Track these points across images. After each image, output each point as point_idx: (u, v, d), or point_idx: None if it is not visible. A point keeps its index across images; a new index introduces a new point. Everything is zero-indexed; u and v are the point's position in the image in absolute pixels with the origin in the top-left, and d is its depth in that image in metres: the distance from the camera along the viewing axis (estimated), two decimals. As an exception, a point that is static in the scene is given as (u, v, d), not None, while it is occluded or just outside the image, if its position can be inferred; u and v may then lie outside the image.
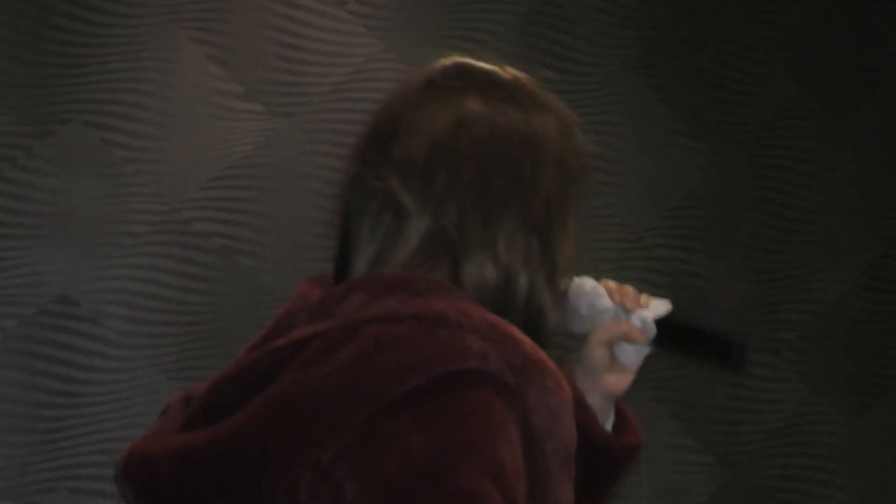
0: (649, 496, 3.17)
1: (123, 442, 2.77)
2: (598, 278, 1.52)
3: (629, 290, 1.52)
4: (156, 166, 2.81)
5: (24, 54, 2.73)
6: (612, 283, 1.53)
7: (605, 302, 1.50)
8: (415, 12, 3.05)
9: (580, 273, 1.50)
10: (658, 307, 1.52)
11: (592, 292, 1.51)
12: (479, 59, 1.35)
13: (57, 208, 2.72)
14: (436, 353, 1.14)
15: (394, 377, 1.12)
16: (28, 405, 2.66)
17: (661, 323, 1.51)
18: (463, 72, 1.32)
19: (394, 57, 3.01)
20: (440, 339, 1.15)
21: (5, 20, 2.72)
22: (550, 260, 1.30)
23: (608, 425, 1.55)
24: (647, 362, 3.19)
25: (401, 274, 1.24)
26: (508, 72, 1.35)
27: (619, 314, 1.51)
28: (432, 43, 3.06)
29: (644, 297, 1.52)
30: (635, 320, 1.50)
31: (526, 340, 1.19)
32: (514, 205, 1.27)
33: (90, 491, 2.68)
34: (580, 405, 1.49)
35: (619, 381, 1.52)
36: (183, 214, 2.82)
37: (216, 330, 2.80)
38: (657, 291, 3.42)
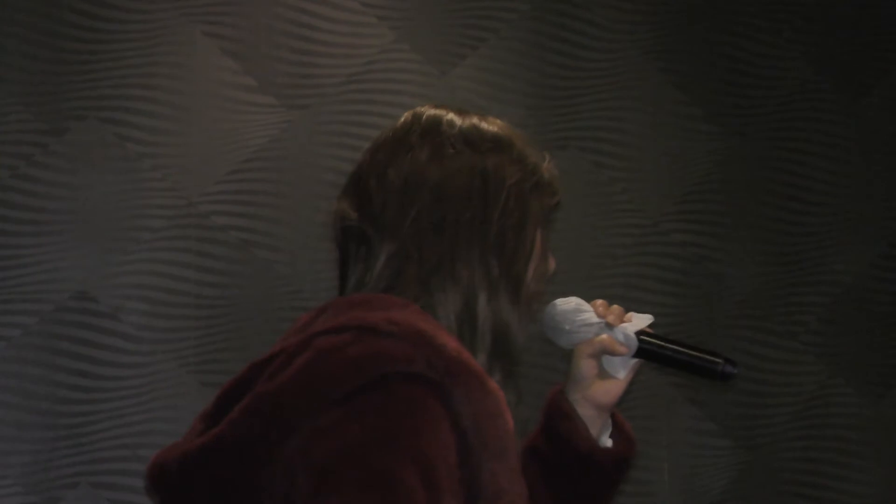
0: (670, 480, 3.17)
1: (144, 436, 2.79)
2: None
3: (615, 307, 1.64)
4: (171, 161, 2.82)
5: (38, 51, 2.74)
6: (599, 302, 1.64)
7: (589, 317, 1.62)
8: (427, 2, 3.05)
9: (566, 293, 1.64)
10: (639, 321, 1.63)
11: (575, 309, 1.63)
12: (438, 106, 1.49)
13: (74, 204, 2.73)
14: (368, 359, 1.28)
15: (335, 380, 1.28)
16: (49, 401, 2.68)
17: (643, 337, 1.62)
18: (419, 121, 1.47)
19: (406, 48, 3.02)
20: (372, 346, 1.30)
21: (20, 18, 2.73)
22: (513, 278, 1.44)
23: (604, 436, 1.65)
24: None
25: (363, 295, 1.41)
26: (464, 116, 1.48)
27: (603, 329, 1.62)
28: (444, 33, 3.06)
29: (629, 315, 1.63)
30: (618, 334, 1.61)
31: (450, 345, 1.32)
32: (469, 230, 1.42)
33: (112, 485, 2.69)
34: (564, 416, 1.63)
35: (608, 392, 1.63)
36: (199, 208, 2.83)
37: (234, 323, 2.81)
38: (674, 276, 3.44)
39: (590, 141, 3.19)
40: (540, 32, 3.15)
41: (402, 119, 1.50)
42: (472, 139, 1.46)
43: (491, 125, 1.48)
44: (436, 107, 1.50)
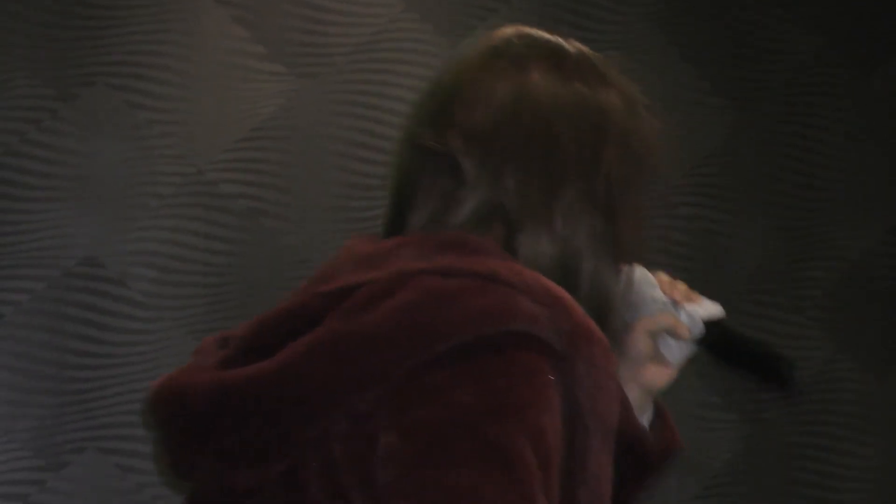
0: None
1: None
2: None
3: (682, 285, 1.49)
4: (180, 128, 2.82)
5: (47, 17, 2.73)
6: (664, 276, 1.49)
7: (656, 292, 1.47)
8: (437, -29, 3.04)
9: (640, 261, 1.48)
10: (709, 308, 1.48)
11: (643, 280, 1.47)
12: (545, 30, 1.33)
13: (82, 170, 2.73)
14: (485, 312, 1.11)
15: (441, 332, 1.10)
16: (57, 366, 2.68)
17: (709, 324, 1.47)
18: (529, 42, 1.30)
19: (416, 17, 3.01)
20: (491, 297, 1.12)
21: (29, -17, 2.72)
22: (617, 242, 1.27)
23: (644, 419, 1.50)
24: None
25: (453, 234, 1.21)
26: (574, 45, 1.33)
27: (668, 307, 1.46)
28: (454, 3, 3.05)
29: (696, 296, 1.49)
30: (683, 315, 1.46)
31: (578, 308, 1.16)
32: (575, 180, 1.24)
33: (119, 451, 2.70)
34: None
35: (660, 375, 1.48)
36: (208, 176, 2.83)
37: (242, 291, 2.82)
38: (681, 249, 3.43)
39: (599, 113, 3.18)
40: (550, 4, 3.14)
41: (503, 36, 1.31)
42: (586, 72, 1.30)
43: (603, 61, 1.33)
44: (539, 28, 1.33)
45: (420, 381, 1.09)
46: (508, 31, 1.32)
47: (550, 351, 1.12)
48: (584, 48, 1.33)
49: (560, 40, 1.32)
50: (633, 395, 1.48)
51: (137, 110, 2.79)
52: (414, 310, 1.12)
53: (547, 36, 1.32)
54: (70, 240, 2.71)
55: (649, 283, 1.47)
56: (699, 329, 1.46)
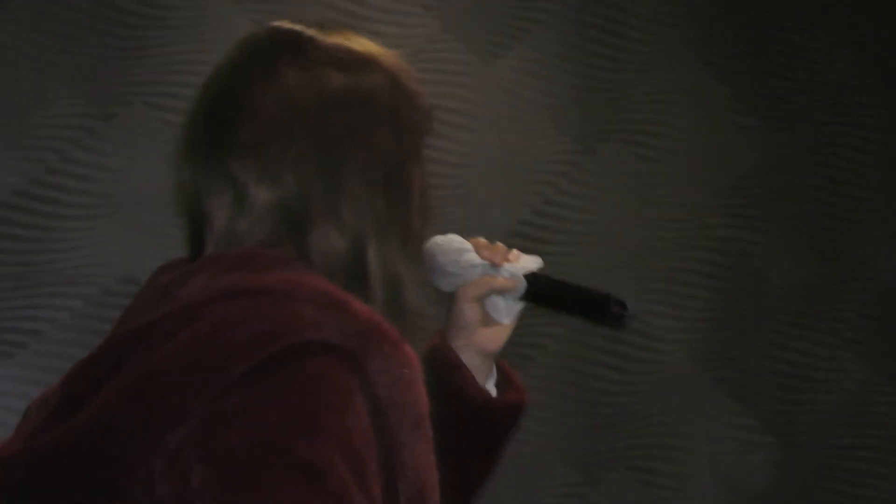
0: (710, 475, 3.16)
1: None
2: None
3: (499, 245, 1.50)
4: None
5: (87, 36, 2.75)
6: (480, 240, 1.51)
7: (472, 257, 1.49)
8: (473, -8, 3.05)
9: (442, 231, 1.49)
10: (528, 262, 1.51)
11: (458, 248, 1.49)
12: (297, 21, 1.31)
13: (120, 188, 2.74)
14: (271, 329, 1.11)
15: (232, 357, 1.10)
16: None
17: (531, 278, 1.50)
18: (280, 41, 1.28)
19: (452, 38, 3.02)
20: (274, 313, 1.12)
21: (68, 2, 2.74)
22: (401, 220, 1.27)
23: (490, 383, 1.52)
24: (709, 343, 3.17)
25: (242, 251, 1.21)
26: (328, 32, 1.30)
27: (488, 270, 1.49)
28: (490, 23, 3.06)
29: (514, 253, 1.51)
30: (504, 274, 1.49)
31: (362, 308, 1.16)
32: (353, 167, 1.24)
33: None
34: (453, 367, 1.48)
35: (494, 336, 1.50)
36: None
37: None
38: (715, 270, 3.42)
39: (633, 133, 3.18)
40: (585, 24, 3.14)
41: (255, 38, 1.30)
42: (343, 59, 1.27)
43: (358, 41, 1.30)
44: (293, 22, 1.31)
45: (220, 409, 1.08)
46: (259, 31, 1.31)
47: (341, 354, 1.12)
48: (341, 32, 1.31)
49: (310, 32, 1.30)
50: (473, 361, 1.49)
51: (174, 129, 2.80)
52: (203, 340, 1.11)
53: (298, 29, 1.30)
54: (108, 257, 2.72)
55: (461, 250, 1.49)
56: (522, 285, 1.49)
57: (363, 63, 1.28)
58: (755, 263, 3.26)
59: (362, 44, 1.30)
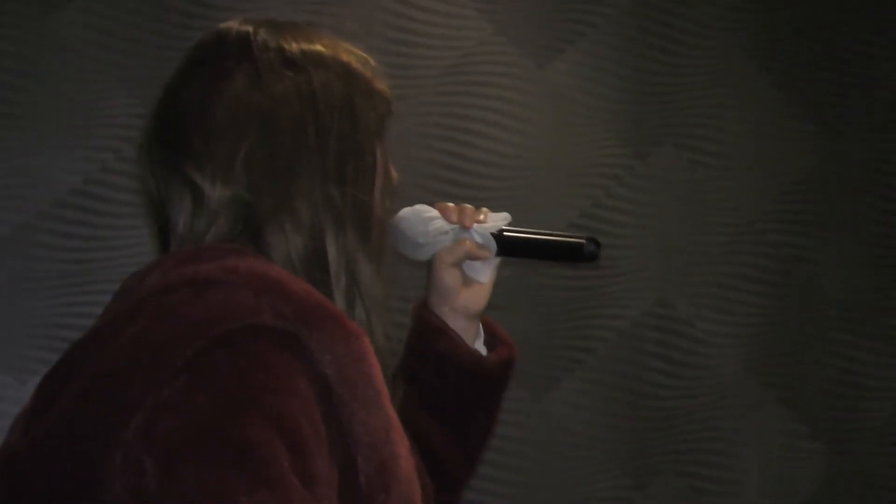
0: (759, 481, 3.15)
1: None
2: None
3: (466, 207, 1.52)
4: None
5: (146, 38, 2.78)
6: (448, 204, 1.53)
7: (441, 224, 1.51)
8: (526, -5, 3.05)
9: (410, 202, 1.51)
10: (497, 219, 1.53)
11: (426, 218, 1.51)
12: (246, 22, 1.33)
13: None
14: (208, 316, 1.13)
15: (172, 347, 1.11)
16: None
17: (503, 234, 1.52)
18: (229, 44, 1.30)
19: (504, 41, 3.02)
20: (211, 301, 1.14)
21: (127, 4, 2.77)
22: (359, 205, 1.28)
23: (479, 343, 1.55)
24: (760, 349, 3.15)
25: (193, 248, 1.24)
26: (279, 31, 1.32)
27: (459, 233, 1.51)
28: (543, 26, 3.06)
29: (483, 211, 1.53)
30: (475, 236, 1.51)
31: (301, 287, 1.17)
32: (305, 160, 1.26)
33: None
34: (442, 333, 1.51)
35: (475, 298, 1.53)
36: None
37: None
38: (769, 276, 3.41)
39: (686, 138, 3.17)
40: (639, 28, 3.14)
41: (203, 42, 1.32)
42: (292, 57, 1.29)
43: (308, 37, 1.32)
44: (242, 22, 1.33)
45: (161, 399, 1.10)
46: (209, 35, 1.33)
47: (280, 336, 1.13)
48: (291, 30, 1.33)
49: (260, 32, 1.31)
50: (459, 324, 1.52)
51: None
52: (145, 333, 1.14)
53: (245, 31, 1.31)
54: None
55: (430, 219, 1.51)
56: (492, 243, 1.51)
57: (312, 59, 1.30)
58: (808, 269, 3.24)
59: (313, 39, 1.32)
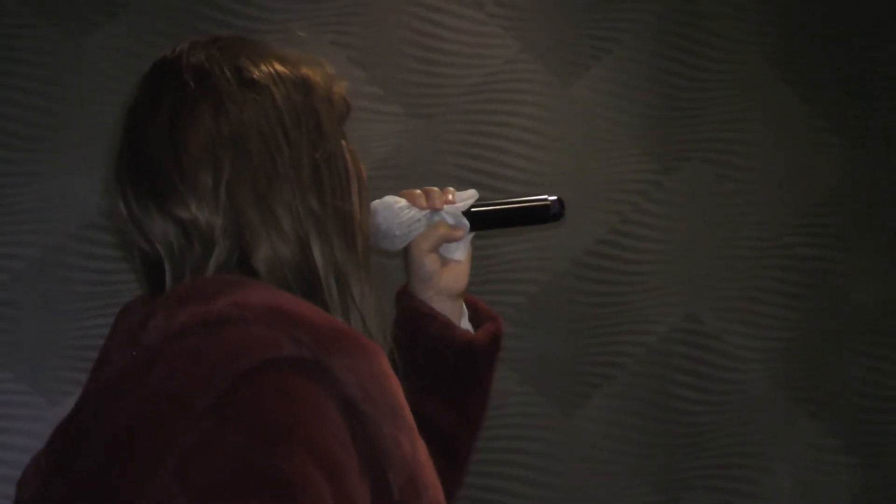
0: (791, 495, 3.14)
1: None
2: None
3: (433, 190, 1.56)
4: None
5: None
6: (414, 191, 1.56)
7: (413, 213, 1.54)
8: (552, 14, 3.06)
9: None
10: (466, 197, 1.57)
11: (397, 209, 1.54)
12: (194, 49, 1.32)
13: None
14: (228, 356, 1.13)
15: (196, 390, 1.12)
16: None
17: (472, 213, 1.56)
18: (185, 76, 1.29)
19: (530, 58, 3.03)
20: (228, 340, 1.15)
21: (171, 16, 2.79)
22: (340, 213, 1.30)
23: (465, 321, 1.59)
24: (790, 363, 3.14)
25: (190, 283, 1.23)
26: (228, 52, 1.32)
27: (431, 218, 1.55)
28: (569, 43, 3.07)
29: (449, 192, 1.56)
30: (447, 217, 1.55)
31: (313, 314, 1.18)
32: (283, 176, 1.27)
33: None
34: (430, 318, 1.55)
35: (457, 277, 1.57)
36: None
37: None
38: (796, 290, 3.40)
39: (713, 153, 3.17)
40: (665, 44, 3.14)
41: (158, 76, 1.31)
42: (251, 78, 1.29)
43: (262, 54, 1.32)
44: (191, 49, 1.31)
45: (192, 442, 1.10)
46: (160, 68, 1.32)
47: (302, 365, 1.14)
48: (236, 48, 1.33)
49: (212, 58, 1.31)
50: (445, 306, 1.56)
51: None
52: (167, 380, 1.14)
53: (197, 60, 1.30)
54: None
55: (399, 209, 1.54)
56: (464, 222, 1.55)
57: (271, 76, 1.30)
58: (836, 283, 3.23)
59: (266, 55, 1.32)
